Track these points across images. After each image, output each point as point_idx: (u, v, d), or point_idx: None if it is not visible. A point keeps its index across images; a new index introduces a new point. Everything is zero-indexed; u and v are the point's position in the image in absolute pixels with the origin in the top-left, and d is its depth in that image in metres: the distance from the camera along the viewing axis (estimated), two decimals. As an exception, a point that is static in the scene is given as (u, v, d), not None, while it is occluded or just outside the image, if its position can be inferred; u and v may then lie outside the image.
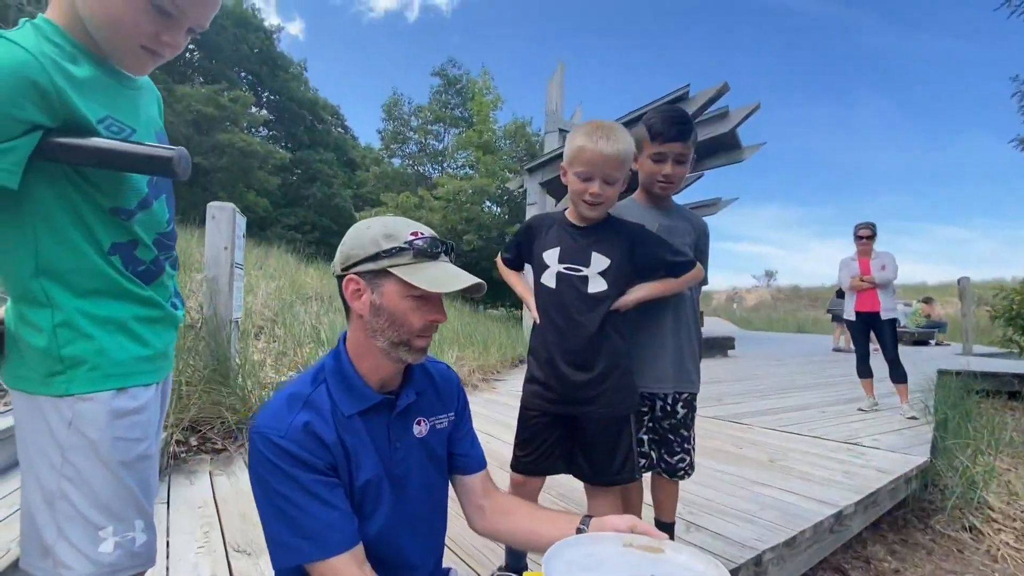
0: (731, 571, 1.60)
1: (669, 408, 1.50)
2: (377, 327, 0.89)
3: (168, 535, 1.76)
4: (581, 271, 1.34)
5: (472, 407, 1.16)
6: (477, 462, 1.10)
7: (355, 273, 0.88)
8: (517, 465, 1.42)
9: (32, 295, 0.77)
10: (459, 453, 1.08)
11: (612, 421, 1.34)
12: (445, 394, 1.08)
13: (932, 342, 11.47)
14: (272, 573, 0.90)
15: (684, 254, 1.41)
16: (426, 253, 0.88)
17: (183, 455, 2.49)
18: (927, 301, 12.86)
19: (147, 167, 0.75)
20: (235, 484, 2.23)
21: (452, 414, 1.07)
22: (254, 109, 24.81)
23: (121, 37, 0.77)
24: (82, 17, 0.76)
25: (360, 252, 0.88)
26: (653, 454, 1.52)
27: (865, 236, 4.45)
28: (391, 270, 0.87)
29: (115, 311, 0.81)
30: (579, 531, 0.92)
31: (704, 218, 1.65)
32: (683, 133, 1.42)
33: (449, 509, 1.07)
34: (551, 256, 1.38)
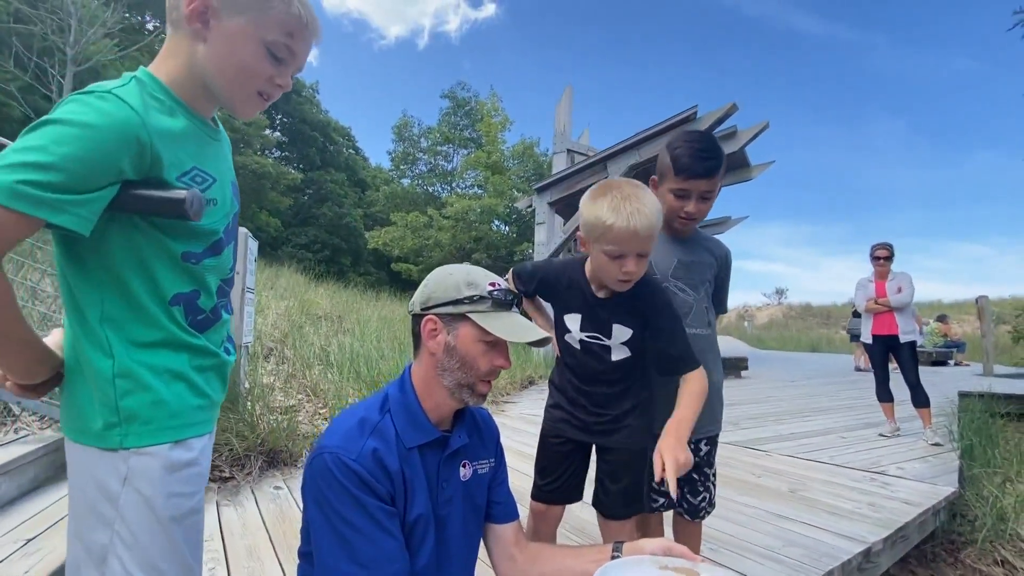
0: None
1: (692, 447, 1.43)
2: (447, 367, 0.94)
3: (173, 572, 1.71)
4: (604, 341, 1.31)
5: None
6: (511, 510, 1.11)
7: (435, 314, 0.94)
8: (539, 494, 1.40)
9: (97, 341, 0.76)
10: (496, 500, 1.09)
11: (634, 453, 1.32)
12: (487, 439, 1.11)
13: (951, 362, 11.21)
14: None
15: (690, 354, 1.26)
16: (502, 303, 0.95)
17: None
18: (942, 319, 12.60)
19: (162, 209, 0.74)
20: (243, 516, 2.19)
21: (493, 460, 1.10)
22: (268, 131, 25.34)
23: (242, 84, 0.82)
24: (204, 70, 0.80)
25: (442, 295, 0.94)
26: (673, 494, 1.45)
27: (883, 257, 4.37)
28: (470, 315, 0.93)
29: (173, 362, 0.80)
30: (613, 558, 0.92)
31: (714, 236, 1.60)
32: (711, 170, 1.30)
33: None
34: (572, 321, 1.33)
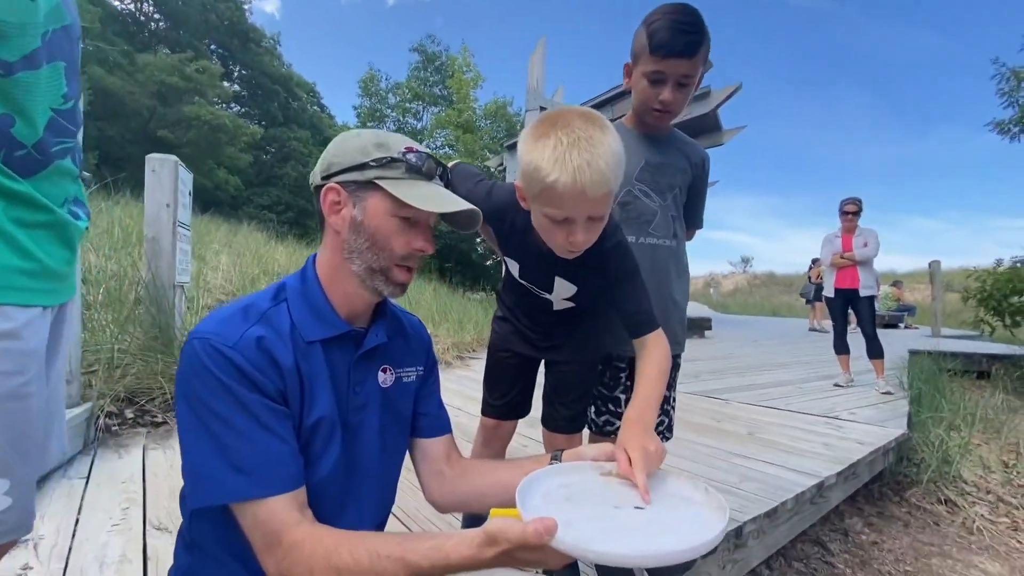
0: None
1: None
2: (355, 247, 0.78)
3: (79, 513, 1.55)
4: (543, 294, 1.14)
5: (444, 383, 1.04)
6: (442, 425, 0.97)
7: (338, 182, 0.77)
8: (489, 410, 1.31)
9: None
10: (423, 412, 0.95)
11: (583, 365, 1.22)
12: (415, 346, 0.95)
13: (901, 325, 11.73)
14: None
15: (651, 315, 1.03)
16: (420, 171, 0.78)
17: (115, 428, 2.26)
18: (896, 285, 13.13)
19: None
20: (171, 458, 2.02)
21: (421, 368, 0.95)
22: (225, 84, 23.81)
23: None
24: None
25: (345, 160, 0.77)
26: None
27: (851, 212, 4.38)
28: (379, 183, 0.76)
29: None
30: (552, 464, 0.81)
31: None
32: (691, 46, 1.09)
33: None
34: (511, 264, 1.15)
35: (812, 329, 10.48)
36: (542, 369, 1.32)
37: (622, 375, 1.30)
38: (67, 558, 1.30)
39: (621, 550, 0.56)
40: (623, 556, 0.55)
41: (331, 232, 0.80)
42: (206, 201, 13.47)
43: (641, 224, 1.24)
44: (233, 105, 25.53)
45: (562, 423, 1.23)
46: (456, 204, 0.78)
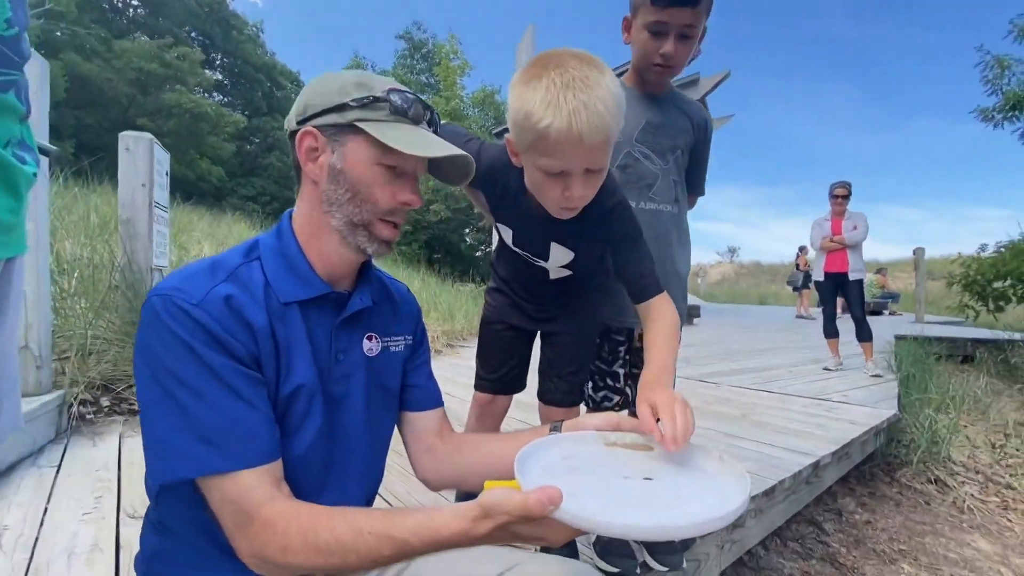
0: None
1: None
2: (334, 199, 0.70)
3: (48, 502, 1.47)
4: (539, 262, 1.08)
5: (435, 371, 0.95)
6: (433, 397, 0.90)
7: (315, 126, 0.69)
8: (482, 384, 1.24)
9: None
10: (413, 384, 0.88)
11: (580, 336, 1.16)
12: (404, 314, 0.88)
13: (886, 312, 11.88)
14: None
15: (654, 278, 0.96)
16: (406, 113, 0.70)
17: (90, 417, 2.17)
18: (881, 272, 13.31)
19: None
20: (149, 446, 1.94)
21: (410, 338, 0.87)
22: (207, 72, 23.27)
23: None
24: None
25: (323, 101, 0.69)
26: (629, 391, 1.30)
27: (841, 195, 4.38)
28: (360, 125, 0.68)
29: None
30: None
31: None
32: None
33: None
34: (504, 231, 1.08)
35: (799, 316, 10.60)
36: (538, 342, 1.26)
37: (621, 349, 1.25)
38: (33, 548, 1.22)
39: (637, 521, 0.49)
40: (639, 528, 0.49)
41: (308, 183, 0.72)
42: (188, 192, 13.17)
43: (642, 188, 1.18)
44: (215, 94, 25.00)
45: (559, 396, 1.18)
46: (446, 149, 0.70)
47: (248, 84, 25.68)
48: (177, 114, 17.68)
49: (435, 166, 0.79)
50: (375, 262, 0.84)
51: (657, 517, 0.52)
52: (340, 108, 0.68)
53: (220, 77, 25.63)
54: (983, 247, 6.92)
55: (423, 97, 0.74)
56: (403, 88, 0.71)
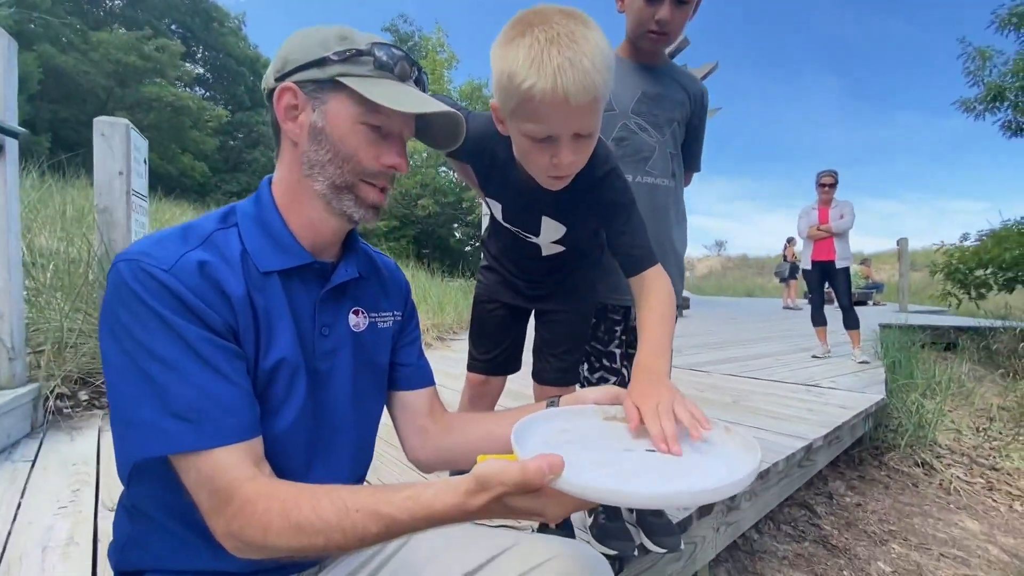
0: (704, 508, 1.42)
1: None
2: (316, 160, 0.66)
3: (22, 496, 1.41)
4: (530, 238, 1.04)
5: None
6: (424, 376, 0.86)
7: (294, 81, 0.65)
8: (475, 365, 1.21)
9: None
10: (403, 362, 0.84)
11: (576, 314, 1.12)
12: (392, 290, 0.84)
13: (870, 302, 12.04)
14: None
15: (649, 250, 0.92)
16: (391, 69, 0.66)
17: (68, 411, 2.10)
18: (865, 263, 13.50)
19: None
20: (129, 440, 1.88)
21: (399, 314, 0.83)
22: (187, 65, 22.81)
23: None
24: None
25: (303, 55, 0.64)
26: (626, 371, 1.27)
27: (828, 184, 4.40)
28: (343, 80, 0.63)
29: None
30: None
31: None
32: None
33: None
34: (495, 207, 1.04)
35: (786, 307, 10.71)
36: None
37: (617, 328, 1.22)
38: (5, 542, 1.17)
39: (643, 489, 0.46)
40: (649, 495, 0.46)
41: (288, 144, 0.68)
42: (171, 187, 12.91)
43: (638, 161, 1.15)
44: (197, 88, 24.53)
45: (554, 376, 1.15)
46: (434, 105, 0.65)
47: (231, 78, 25.22)
48: (157, 107, 17.30)
49: (423, 129, 0.75)
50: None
51: (668, 483, 0.49)
52: (321, 63, 0.64)
53: (202, 71, 25.16)
54: (965, 236, 7.03)
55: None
56: (388, 42, 0.67)
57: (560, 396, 0.76)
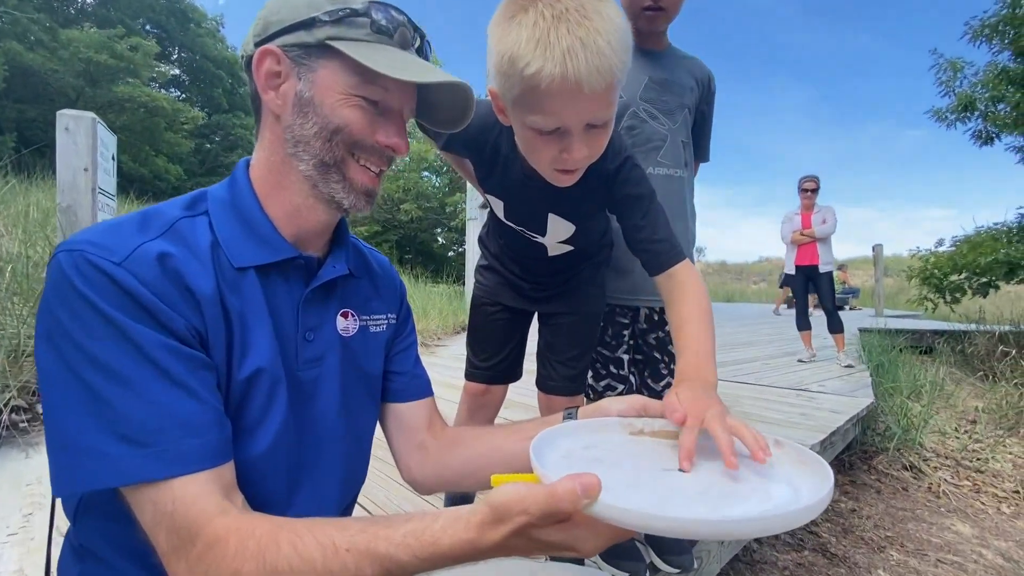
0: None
1: (656, 318, 1.16)
2: (301, 136, 0.56)
3: (-34, 522, 1.27)
4: (536, 238, 0.96)
5: None
6: (422, 386, 0.77)
7: (278, 45, 0.56)
8: (474, 373, 1.12)
9: None
10: (398, 371, 0.75)
11: (583, 316, 1.05)
12: (385, 289, 0.74)
13: (847, 307, 12.29)
14: None
15: (674, 243, 0.83)
16: (390, 34, 0.57)
17: (24, 424, 1.94)
18: (842, 268, 13.78)
19: None
20: (92, 456, 1.74)
21: (393, 317, 0.74)
22: (162, 66, 22.27)
23: None
24: None
25: (288, 16, 0.55)
26: (633, 378, 1.20)
27: (810, 189, 4.44)
28: (334, 44, 0.54)
29: None
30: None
31: None
32: None
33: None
34: (495, 203, 0.96)
35: (777, 313, 10.75)
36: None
37: (625, 332, 1.15)
38: (-58, 578, 1.04)
39: (710, 515, 0.39)
40: (712, 523, 0.38)
41: (269, 117, 0.58)
42: (144, 190, 12.50)
43: (649, 151, 1.08)
44: (172, 89, 23.97)
45: (561, 383, 1.07)
46: (442, 75, 0.57)
47: (208, 80, 24.68)
48: (130, 108, 16.78)
49: (425, 109, 0.66)
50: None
51: (731, 508, 0.42)
52: (309, 24, 0.55)
53: (177, 72, 24.59)
54: (940, 242, 7.19)
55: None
56: (387, 2, 0.58)
57: (577, 408, 0.68)
